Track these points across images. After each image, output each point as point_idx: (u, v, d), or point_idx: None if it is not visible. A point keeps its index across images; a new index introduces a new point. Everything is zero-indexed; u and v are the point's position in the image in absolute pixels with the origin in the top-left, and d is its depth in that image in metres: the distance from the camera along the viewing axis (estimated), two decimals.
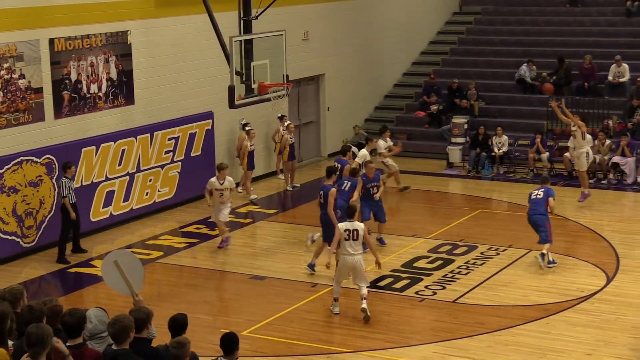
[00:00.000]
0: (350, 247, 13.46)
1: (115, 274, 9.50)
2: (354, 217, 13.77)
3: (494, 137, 23.21)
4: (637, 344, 12.65)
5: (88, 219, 17.93)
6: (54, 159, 17.21)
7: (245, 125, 21.04)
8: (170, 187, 19.91)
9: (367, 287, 13.69)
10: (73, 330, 7.80)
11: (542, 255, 15.68)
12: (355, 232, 13.45)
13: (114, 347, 7.81)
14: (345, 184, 16.38)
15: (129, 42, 18.90)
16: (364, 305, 13.45)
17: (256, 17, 17.25)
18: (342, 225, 13.58)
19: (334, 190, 15.46)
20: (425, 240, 17.50)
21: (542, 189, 16.10)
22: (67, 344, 7.69)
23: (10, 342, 7.92)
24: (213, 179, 17.19)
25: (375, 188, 16.76)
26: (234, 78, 16.38)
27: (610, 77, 24.88)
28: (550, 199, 15.90)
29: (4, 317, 7.57)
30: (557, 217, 19.04)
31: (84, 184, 17.81)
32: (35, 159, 16.93)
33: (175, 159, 19.95)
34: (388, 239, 17.19)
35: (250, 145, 20.91)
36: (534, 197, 16.04)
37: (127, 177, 18.88)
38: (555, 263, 15.74)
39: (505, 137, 23.11)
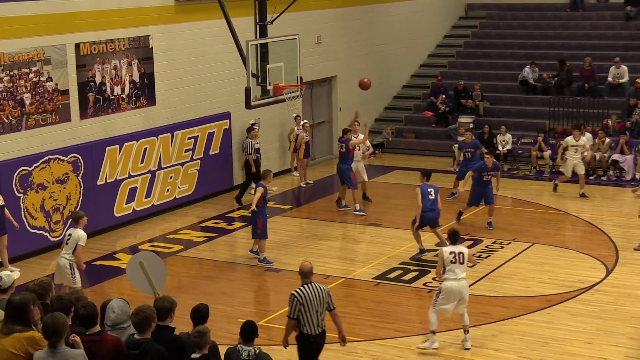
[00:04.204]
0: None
1: (140, 275, 9.54)
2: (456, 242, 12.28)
3: (498, 136, 23.18)
4: (636, 333, 12.63)
5: (112, 215, 18.02)
6: (79, 157, 17.29)
7: (253, 124, 20.82)
8: (190, 184, 19.96)
9: (376, 279, 13.56)
10: (88, 321, 7.80)
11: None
12: (460, 255, 12.09)
13: (136, 336, 7.82)
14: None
15: (150, 46, 18.94)
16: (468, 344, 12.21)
17: (271, 22, 17.27)
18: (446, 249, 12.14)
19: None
20: (432, 235, 17.47)
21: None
22: (87, 333, 7.72)
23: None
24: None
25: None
26: (250, 80, 16.40)
27: (610, 79, 24.78)
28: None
29: (26, 304, 7.58)
30: (558, 211, 19.06)
31: (108, 181, 17.89)
32: (62, 157, 17.01)
33: (194, 157, 20.00)
34: (397, 233, 17.18)
35: (256, 144, 20.64)
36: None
37: (149, 175, 18.93)
38: None
39: (509, 136, 23.08)
